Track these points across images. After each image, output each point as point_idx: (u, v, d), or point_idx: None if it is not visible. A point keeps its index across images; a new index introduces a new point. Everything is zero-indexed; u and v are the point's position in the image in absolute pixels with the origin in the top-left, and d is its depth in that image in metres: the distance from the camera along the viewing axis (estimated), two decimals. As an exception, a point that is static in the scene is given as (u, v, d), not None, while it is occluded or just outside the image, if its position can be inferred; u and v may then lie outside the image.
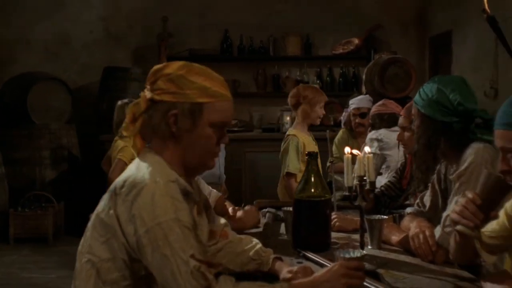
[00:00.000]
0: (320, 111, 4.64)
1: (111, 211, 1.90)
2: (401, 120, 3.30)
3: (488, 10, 5.77)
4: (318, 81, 8.31)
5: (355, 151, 2.56)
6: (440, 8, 7.87)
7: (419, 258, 2.54)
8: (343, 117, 5.76)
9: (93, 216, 1.99)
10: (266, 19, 8.24)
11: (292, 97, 4.70)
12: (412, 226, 2.65)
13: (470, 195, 1.93)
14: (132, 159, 2.52)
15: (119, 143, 4.81)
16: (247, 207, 3.30)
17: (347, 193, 2.49)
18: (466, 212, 1.93)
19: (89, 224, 2.00)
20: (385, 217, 2.81)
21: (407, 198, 3.43)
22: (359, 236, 2.64)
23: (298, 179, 4.11)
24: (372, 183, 2.46)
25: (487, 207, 1.92)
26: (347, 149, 2.55)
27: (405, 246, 2.67)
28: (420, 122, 2.64)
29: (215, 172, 4.91)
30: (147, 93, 2.01)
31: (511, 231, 2.06)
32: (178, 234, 1.82)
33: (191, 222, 1.91)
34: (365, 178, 2.48)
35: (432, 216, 2.75)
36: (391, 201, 3.56)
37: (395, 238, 2.77)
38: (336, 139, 5.55)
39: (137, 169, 1.94)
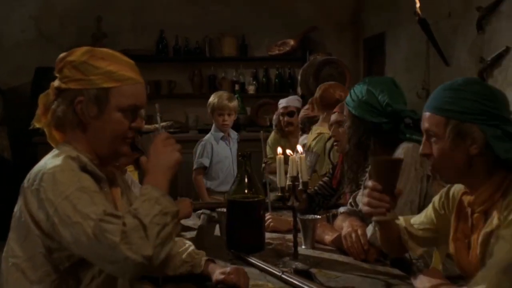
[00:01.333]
0: None
1: (23, 207, 1.86)
2: (335, 116, 3.32)
3: (420, 13, 5.90)
4: (254, 82, 8.32)
5: (288, 151, 2.56)
6: (373, 10, 7.99)
7: (352, 257, 2.57)
8: (274, 118, 5.77)
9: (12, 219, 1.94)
10: (202, 19, 8.20)
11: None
12: (344, 225, 2.67)
13: (370, 184, 1.96)
14: None
15: None
16: (180, 199, 3.27)
17: (279, 194, 2.49)
18: (373, 202, 1.96)
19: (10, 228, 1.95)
20: (318, 217, 2.83)
21: (339, 197, 3.47)
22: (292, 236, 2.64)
23: None
24: (305, 183, 2.47)
25: (388, 188, 1.96)
26: (279, 150, 2.55)
27: (338, 245, 2.69)
28: (351, 122, 2.68)
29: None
30: (55, 82, 1.97)
31: (437, 225, 2.10)
32: (86, 199, 1.76)
33: (97, 188, 1.87)
34: (298, 178, 2.49)
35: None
36: (324, 200, 3.59)
37: (328, 237, 2.79)
38: (269, 140, 5.56)
39: (44, 161, 1.91)
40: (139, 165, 2.72)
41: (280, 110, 5.55)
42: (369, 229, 2.52)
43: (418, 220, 2.17)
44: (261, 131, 3.69)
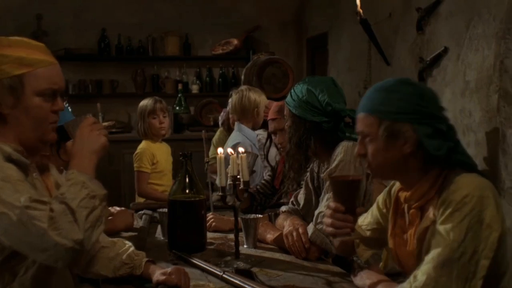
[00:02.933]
0: None
1: None
2: (275, 124, 3.34)
3: (361, 13, 5.97)
4: (197, 82, 8.29)
5: (229, 150, 2.56)
6: (316, 10, 8.05)
7: (293, 255, 2.58)
8: (221, 117, 5.76)
9: None
10: (145, 18, 8.12)
11: None
12: (286, 224, 2.69)
13: (332, 205, 1.97)
14: None
15: None
16: (119, 209, 3.24)
17: (220, 193, 2.49)
18: (337, 223, 1.96)
19: None
20: (260, 216, 2.84)
21: (281, 197, 3.48)
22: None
23: None
24: (246, 183, 2.47)
25: (350, 208, 1.97)
26: (219, 150, 2.55)
27: (279, 244, 2.70)
28: (292, 122, 2.69)
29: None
30: None
31: (383, 224, 2.13)
32: (9, 188, 1.73)
33: (23, 177, 1.83)
34: (238, 177, 2.48)
35: (306, 213, 2.80)
36: (267, 199, 3.60)
37: (270, 236, 2.80)
38: (213, 140, 5.54)
39: None
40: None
41: (229, 110, 5.51)
42: (310, 228, 2.54)
43: (366, 220, 2.19)
44: (203, 131, 3.67)
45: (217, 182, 2.51)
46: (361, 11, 5.92)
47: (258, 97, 4.55)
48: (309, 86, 2.66)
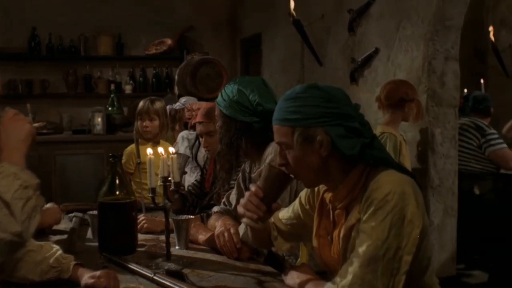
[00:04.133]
0: None
1: None
2: (201, 127, 3.33)
3: (294, 14, 6.02)
4: (131, 82, 8.20)
5: (160, 150, 2.53)
6: (250, 11, 8.07)
7: (225, 255, 2.57)
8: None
9: None
10: (77, 17, 7.98)
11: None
12: (217, 224, 2.68)
13: (253, 188, 1.99)
14: None
15: None
16: (47, 205, 3.17)
17: (150, 195, 2.46)
18: (249, 205, 1.99)
19: None
20: (191, 217, 2.82)
21: (212, 198, 3.47)
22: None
23: None
24: (177, 183, 2.45)
25: (269, 199, 1.99)
26: (149, 150, 2.52)
27: (211, 244, 2.69)
28: (223, 122, 2.69)
29: None
30: None
31: (303, 220, 2.14)
32: None
33: None
34: (169, 178, 2.46)
35: (238, 214, 2.79)
36: (199, 200, 3.58)
37: (202, 237, 2.78)
38: None
39: None
40: None
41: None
42: (241, 228, 2.53)
43: (286, 215, 2.21)
44: (134, 132, 3.63)
45: (148, 183, 2.48)
46: (294, 12, 5.97)
47: None
48: (239, 86, 2.66)
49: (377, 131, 4.11)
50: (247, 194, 2.01)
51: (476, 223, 4.85)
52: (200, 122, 3.33)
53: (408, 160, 4.11)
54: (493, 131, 5.36)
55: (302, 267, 2.13)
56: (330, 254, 1.98)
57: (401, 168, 1.88)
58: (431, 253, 1.91)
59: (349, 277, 1.71)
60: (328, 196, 1.96)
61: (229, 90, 2.67)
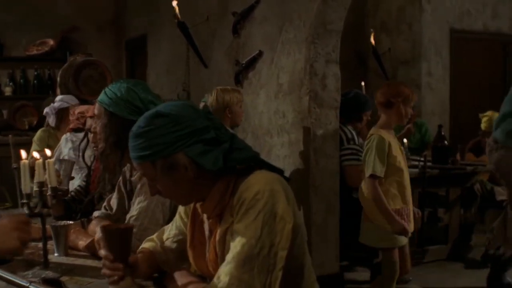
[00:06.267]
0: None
1: None
2: (92, 121, 3.24)
3: (179, 16, 6.00)
4: (11, 84, 7.90)
5: (35, 154, 2.45)
6: (135, 11, 7.98)
7: (106, 261, 2.53)
8: (47, 114, 5.40)
9: None
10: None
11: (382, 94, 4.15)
12: (98, 229, 2.62)
13: (102, 253, 1.97)
14: None
15: None
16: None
17: (25, 201, 2.38)
18: (107, 271, 1.98)
19: None
20: (70, 222, 2.74)
21: (93, 199, 3.39)
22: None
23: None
24: (53, 189, 2.38)
25: (122, 256, 1.98)
26: (23, 154, 2.44)
27: (92, 250, 2.63)
28: (108, 120, 2.62)
29: None
30: None
31: (186, 234, 2.12)
32: None
33: None
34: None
35: (119, 218, 2.75)
36: (82, 205, 3.50)
37: (82, 243, 2.71)
38: (35, 139, 5.25)
39: None
40: None
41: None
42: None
43: (172, 232, 2.18)
44: (10, 135, 3.50)
45: (22, 188, 2.39)
46: (178, 14, 5.95)
47: (230, 97, 4.47)
48: (128, 85, 2.61)
49: (369, 133, 4.13)
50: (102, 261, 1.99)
51: (357, 223, 5.00)
52: (92, 117, 3.23)
53: (403, 161, 4.03)
54: (350, 145, 4.98)
55: (183, 270, 2.11)
56: (205, 262, 1.98)
57: (269, 165, 1.91)
58: (306, 250, 1.95)
59: (226, 279, 1.72)
60: (199, 205, 1.96)
61: (116, 88, 2.61)
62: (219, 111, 4.41)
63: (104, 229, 2.00)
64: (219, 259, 1.87)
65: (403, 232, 3.91)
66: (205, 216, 1.97)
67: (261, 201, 1.75)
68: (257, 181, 1.79)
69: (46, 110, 5.36)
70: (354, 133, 4.99)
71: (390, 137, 4.04)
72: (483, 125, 6.30)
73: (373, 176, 3.91)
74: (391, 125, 4.12)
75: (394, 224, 3.87)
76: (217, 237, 1.87)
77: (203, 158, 1.80)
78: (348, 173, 4.84)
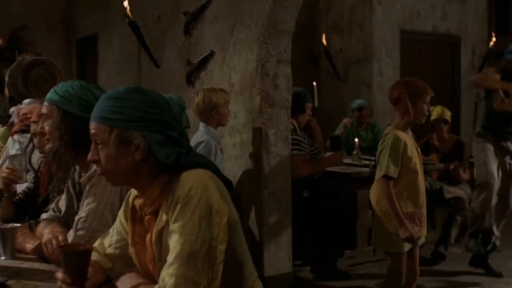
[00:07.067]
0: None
1: None
2: (37, 126, 3.19)
3: (130, 15, 5.95)
4: (-44, 84, 7.74)
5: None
6: (86, 11, 7.90)
7: (54, 264, 2.49)
8: (12, 112, 5.29)
9: None
10: None
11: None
12: (45, 232, 2.58)
13: (59, 276, 1.93)
14: None
15: None
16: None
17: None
18: None
19: None
20: (17, 225, 2.70)
21: (45, 201, 3.35)
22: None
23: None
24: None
25: (79, 279, 1.92)
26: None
27: (39, 253, 2.60)
28: (61, 119, 2.58)
29: None
30: None
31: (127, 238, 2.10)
32: None
33: None
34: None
35: (68, 220, 2.72)
36: (32, 207, 3.45)
37: (29, 246, 2.67)
38: None
39: None
40: None
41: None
42: (70, 235, 2.47)
43: (113, 239, 2.15)
44: None
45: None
46: (129, 13, 5.91)
47: (217, 98, 4.41)
48: (81, 83, 2.58)
49: (385, 132, 3.95)
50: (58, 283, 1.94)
51: (309, 222, 5.05)
52: (35, 122, 3.19)
53: (418, 163, 3.85)
54: (292, 136, 5.07)
55: (132, 272, 2.10)
56: (146, 260, 1.97)
57: (221, 175, 1.92)
58: (245, 247, 1.96)
59: (172, 280, 1.72)
60: (138, 202, 1.95)
61: (68, 86, 2.58)
62: (206, 111, 4.38)
63: (62, 250, 1.96)
64: (157, 259, 1.87)
65: (410, 239, 3.69)
66: (142, 212, 1.95)
67: (195, 196, 1.76)
68: (189, 178, 1.80)
69: (12, 109, 5.27)
70: (295, 124, 5.12)
71: (406, 137, 3.82)
72: (434, 115, 6.30)
73: (386, 177, 3.72)
74: (406, 125, 3.85)
75: (402, 229, 3.66)
76: (153, 237, 1.87)
77: (159, 148, 1.82)
78: (293, 162, 4.91)
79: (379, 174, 3.79)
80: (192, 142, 4.22)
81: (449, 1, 9.01)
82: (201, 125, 4.34)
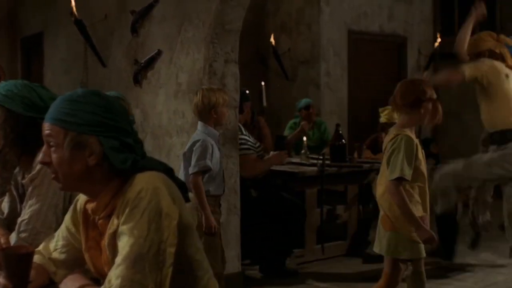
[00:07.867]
0: None
1: None
2: None
3: (76, 14, 5.87)
4: None
5: None
6: (31, 9, 7.76)
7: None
8: None
9: None
10: None
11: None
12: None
13: (2, 281, 1.89)
14: None
15: None
16: None
17: None
18: None
19: None
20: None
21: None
22: None
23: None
24: None
25: (21, 284, 1.89)
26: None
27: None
28: (5, 117, 2.54)
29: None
30: None
31: (74, 244, 2.06)
32: None
33: None
34: None
35: (11, 222, 2.66)
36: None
37: (-30, 249, 2.62)
38: None
39: None
40: None
41: None
42: (13, 237, 2.42)
43: (59, 243, 2.12)
44: None
45: None
46: (75, 11, 5.83)
47: (216, 97, 4.31)
48: (24, 82, 2.54)
49: (391, 133, 3.72)
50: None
51: (257, 221, 5.07)
52: None
53: (424, 165, 3.68)
54: (240, 136, 5.12)
55: (76, 273, 2.07)
56: (101, 264, 1.94)
57: (176, 179, 1.91)
58: (202, 253, 1.94)
59: (118, 281, 1.70)
60: (90, 207, 1.92)
61: (11, 85, 2.53)
62: (205, 111, 4.34)
63: (3, 253, 1.92)
64: (110, 263, 1.84)
65: (431, 239, 3.49)
66: (95, 217, 1.93)
67: (145, 199, 1.74)
68: (140, 181, 1.79)
69: None
70: (240, 125, 5.12)
71: (415, 138, 3.66)
72: (383, 119, 6.38)
73: (399, 179, 3.49)
74: (412, 125, 3.72)
75: (421, 231, 3.47)
76: (106, 241, 1.85)
77: (114, 154, 1.80)
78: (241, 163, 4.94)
79: (390, 176, 3.54)
80: (190, 141, 4.24)
81: (395, 2, 9.15)
82: (200, 124, 4.32)
